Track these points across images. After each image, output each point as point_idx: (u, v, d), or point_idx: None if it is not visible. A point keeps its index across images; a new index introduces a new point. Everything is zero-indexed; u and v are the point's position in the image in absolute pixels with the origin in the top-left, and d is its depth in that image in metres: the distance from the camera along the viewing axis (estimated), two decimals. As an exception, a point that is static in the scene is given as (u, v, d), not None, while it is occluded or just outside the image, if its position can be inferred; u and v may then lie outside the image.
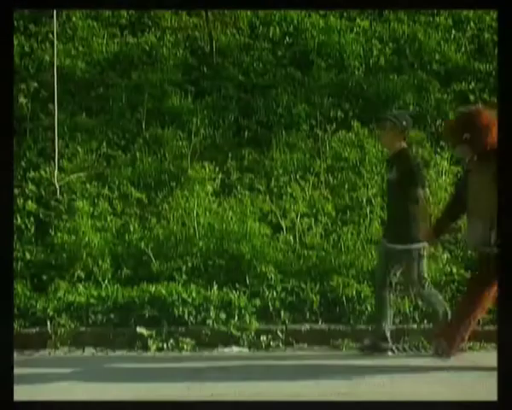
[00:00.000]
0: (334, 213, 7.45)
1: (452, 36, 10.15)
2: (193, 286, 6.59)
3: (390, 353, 5.85)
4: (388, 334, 5.89)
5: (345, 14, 10.47)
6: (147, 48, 9.78)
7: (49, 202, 7.57)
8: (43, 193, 7.63)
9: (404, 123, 5.88)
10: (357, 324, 6.33)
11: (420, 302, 6.23)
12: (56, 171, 7.74)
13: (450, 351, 5.49)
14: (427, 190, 5.86)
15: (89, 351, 6.08)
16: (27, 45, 9.64)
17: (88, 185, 7.77)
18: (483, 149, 5.42)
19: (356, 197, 7.61)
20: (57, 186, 7.64)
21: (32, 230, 7.28)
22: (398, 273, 5.89)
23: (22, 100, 8.54)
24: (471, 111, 5.64)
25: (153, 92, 8.98)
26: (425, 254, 5.86)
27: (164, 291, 6.46)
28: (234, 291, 6.52)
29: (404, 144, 5.94)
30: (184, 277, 6.76)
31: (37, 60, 9.38)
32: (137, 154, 8.20)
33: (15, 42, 9.17)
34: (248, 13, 10.36)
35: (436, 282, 6.63)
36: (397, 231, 5.82)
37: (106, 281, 6.71)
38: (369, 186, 7.71)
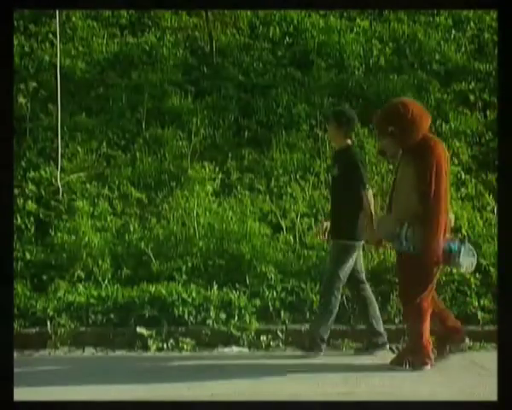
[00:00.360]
0: (334, 213, 7.44)
1: (452, 36, 10.15)
2: (193, 286, 6.59)
3: (388, 349, 5.86)
4: (380, 328, 5.89)
5: (345, 14, 10.46)
6: (147, 48, 9.77)
7: (49, 202, 7.57)
8: (43, 193, 7.63)
9: (345, 119, 5.90)
10: (357, 324, 6.33)
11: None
12: (59, 171, 7.72)
13: (425, 360, 5.40)
14: (370, 189, 5.77)
15: (89, 351, 6.08)
16: (27, 45, 9.64)
17: (88, 185, 7.77)
18: (409, 144, 5.32)
19: (356, 197, 7.60)
20: (59, 185, 7.63)
21: (32, 230, 7.28)
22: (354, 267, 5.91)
23: (22, 100, 8.53)
24: (396, 103, 5.46)
25: (153, 92, 8.98)
26: (354, 252, 5.81)
27: (164, 291, 6.46)
28: (234, 291, 6.53)
29: (348, 141, 5.96)
30: (184, 277, 6.77)
31: (37, 60, 9.37)
32: (137, 154, 8.20)
33: (15, 42, 9.16)
34: (248, 13, 10.36)
35: (436, 282, 6.63)
36: (339, 227, 5.85)
37: (106, 281, 6.71)
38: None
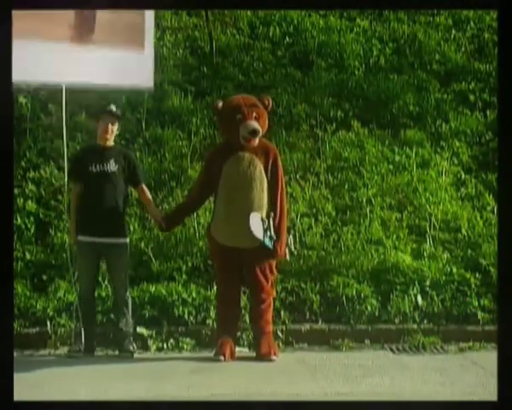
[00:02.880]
0: (334, 213, 7.45)
1: (452, 36, 10.15)
2: (193, 286, 6.59)
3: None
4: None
5: (345, 14, 10.46)
6: (147, 48, 9.75)
7: (49, 202, 7.57)
8: (43, 193, 7.62)
9: (107, 118, 6.08)
10: (357, 324, 6.33)
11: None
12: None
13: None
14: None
15: (89, 351, 6.07)
16: (27, 45, 9.62)
17: (88, 185, 7.74)
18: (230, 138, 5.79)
19: (356, 197, 7.61)
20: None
21: (32, 230, 7.27)
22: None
23: (22, 100, 8.52)
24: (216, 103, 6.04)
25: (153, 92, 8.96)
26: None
27: (164, 291, 6.46)
28: (234, 291, 6.51)
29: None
30: (184, 277, 6.76)
31: (37, 60, 9.35)
32: (137, 154, 8.18)
33: (15, 42, 9.13)
34: (248, 13, 10.35)
35: (436, 282, 6.64)
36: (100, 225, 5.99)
37: (106, 281, 6.70)
38: (369, 186, 7.71)
